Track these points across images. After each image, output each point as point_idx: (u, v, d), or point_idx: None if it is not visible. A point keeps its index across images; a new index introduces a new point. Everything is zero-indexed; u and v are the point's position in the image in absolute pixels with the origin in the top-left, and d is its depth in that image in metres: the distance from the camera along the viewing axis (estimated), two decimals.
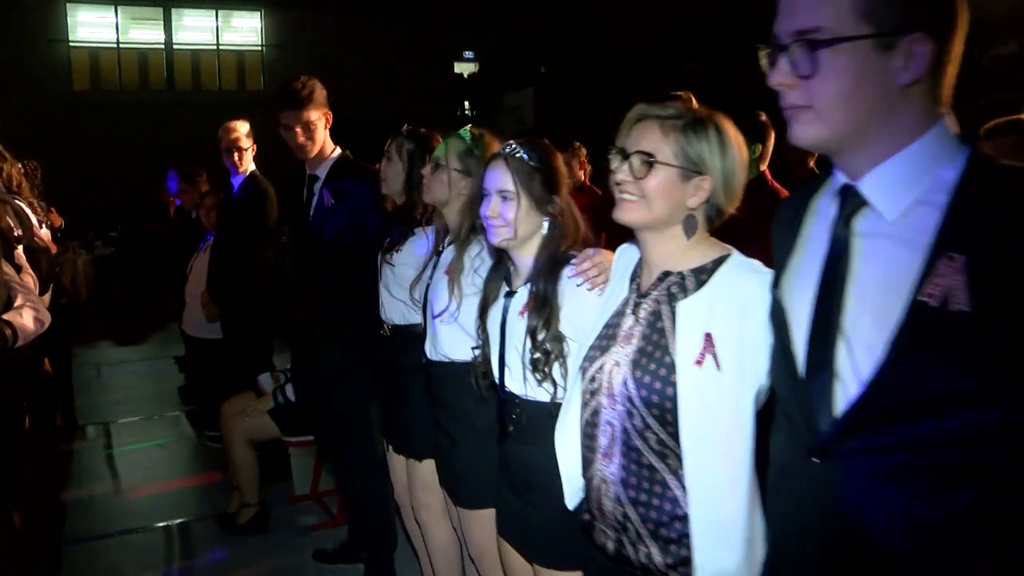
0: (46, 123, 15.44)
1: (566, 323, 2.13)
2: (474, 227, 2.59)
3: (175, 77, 18.50)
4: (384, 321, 3.17)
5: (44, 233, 4.35)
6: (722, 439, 1.64)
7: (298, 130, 3.46)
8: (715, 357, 1.63)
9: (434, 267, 2.80)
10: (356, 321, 3.40)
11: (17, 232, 3.53)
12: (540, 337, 2.14)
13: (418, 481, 3.08)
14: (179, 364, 7.77)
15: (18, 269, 3.20)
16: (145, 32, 18.27)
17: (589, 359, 1.85)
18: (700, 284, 1.71)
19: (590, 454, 1.84)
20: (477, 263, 2.57)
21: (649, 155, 1.70)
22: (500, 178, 2.21)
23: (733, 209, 1.77)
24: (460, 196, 2.66)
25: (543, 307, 2.15)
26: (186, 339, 5.76)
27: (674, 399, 1.65)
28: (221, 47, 18.99)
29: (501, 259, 2.39)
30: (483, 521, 2.61)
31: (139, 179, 14.47)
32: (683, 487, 1.67)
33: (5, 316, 2.67)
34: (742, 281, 1.68)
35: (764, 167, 3.73)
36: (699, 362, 1.64)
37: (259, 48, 19.23)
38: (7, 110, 10.73)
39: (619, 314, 1.84)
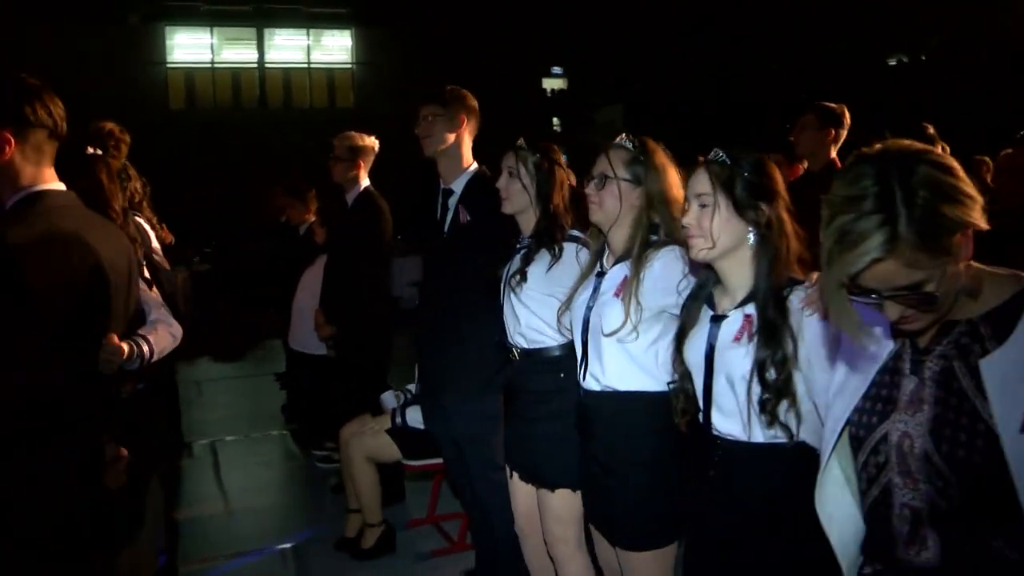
0: (144, 141, 15.85)
1: (804, 358, 1.89)
2: (648, 240, 2.42)
3: (267, 95, 18.92)
4: (512, 345, 3.01)
5: (157, 248, 4.30)
6: None
7: (420, 120, 3.35)
8: None
9: (595, 289, 2.58)
10: (488, 345, 3.22)
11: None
12: (771, 373, 1.90)
13: (550, 513, 2.89)
14: (280, 381, 7.74)
15: (148, 284, 3.12)
16: (238, 52, 18.75)
17: (864, 427, 1.57)
18: (1003, 334, 1.41)
19: (885, 538, 1.56)
20: (649, 282, 2.37)
21: None
22: (699, 183, 2.01)
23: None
24: (633, 208, 2.46)
25: (773, 337, 1.91)
26: (290, 354, 5.67)
27: (1001, 469, 1.36)
28: (312, 65, 19.35)
29: (705, 280, 2.16)
30: (647, 564, 2.42)
31: (232, 196, 14.74)
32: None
33: (140, 331, 2.57)
34: None
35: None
36: None
37: (350, 66, 19.52)
38: None
39: (891, 371, 1.56)
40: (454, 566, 4.04)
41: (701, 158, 2.06)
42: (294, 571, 4.16)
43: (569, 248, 2.85)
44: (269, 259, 7.25)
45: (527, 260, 2.91)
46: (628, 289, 2.39)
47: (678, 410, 2.17)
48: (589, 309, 2.54)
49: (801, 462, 1.86)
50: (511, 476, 3.06)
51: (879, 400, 1.55)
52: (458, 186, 3.38)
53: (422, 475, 4.58)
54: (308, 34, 19.22)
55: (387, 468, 4.31)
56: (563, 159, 2.98)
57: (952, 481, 1.41)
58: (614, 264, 2.54)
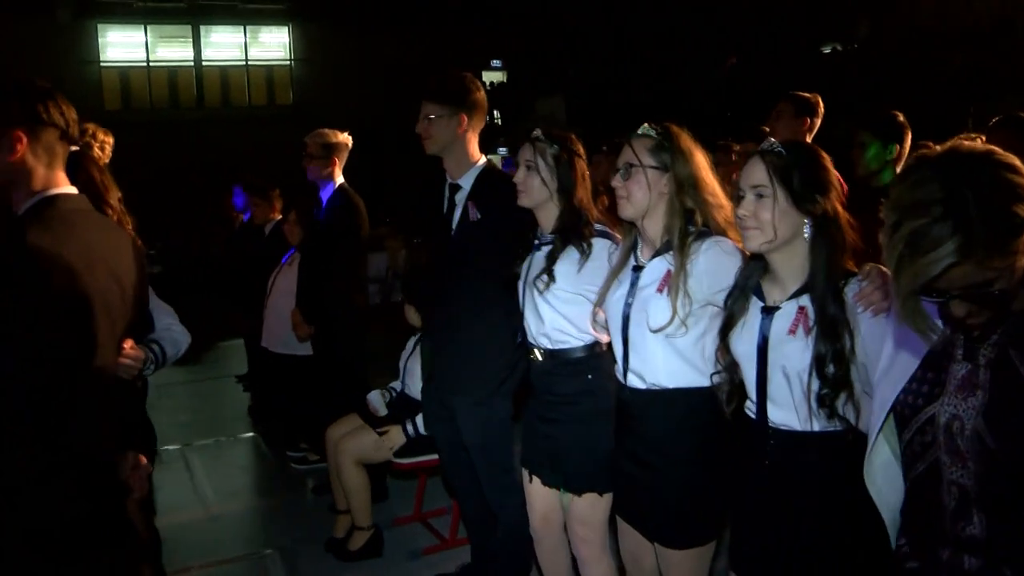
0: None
1: (860, 351, 1.93)
2: (687, 230, 2.40)
3: (205, 94, 18.55)
4: (534, 346, 2.96)
5: None
6: None
7: (421, 119, 3.23)
8: None
9: (632, 284, 2.53)
10: (500, 346, 3.19)
11: None
12: (831, 367, 1.93)
13: (576, 515, 2.88)
14: (242, 383, 7.63)
15: None
16: (174, 50, 18.34)
17: (911, 407, 1.61)
18: None
19: (932, 513, 1.60)
20: (698, 274, 2.36)
21: None
22: (755, 174, 2.01)
23: None
24: (663, 195, 2.43)
25: (832, 331, 1.94)
26: (265, 356, 5.58)
27: None
28: (250, 63, 19.02)
29: (752, 270, 2.17)
30: (690, 560, 2.45)
31: (173, 196, 14.43)
32: None
33: (153, 336, 2.53)
34: None
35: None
36: None
37: (288, 63, 19.25)
38: None
39: (941, 356, 1.60)
40: (448, 562, 4.04)
41: (758, 149, 2.07)
42: (283, 574, 4.12)
43: (598, 243, 2.78)
44: (229, 259, 7.10)
45: (552, 258, 2.81)
46: (675, 282, 2.35)
47: (723, 399, 2.19)
48: (628, 305, 2.50)
49: (858, 450, 1.84)
50: (530, 479, 3.01)
51: (926, 382, 1.59)
52: (466, 182, 3.27)
53: (405, 472, 4.56)
54: (245, 31, 18.88)
55: (371, 467, 4.28)
56: (582, 149, 2.89)
57: (1002, 462, 1.45)
58: (652, 257, 2.50)
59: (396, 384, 4.44)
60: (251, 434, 6.47)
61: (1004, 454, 1.44)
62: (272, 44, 19.28)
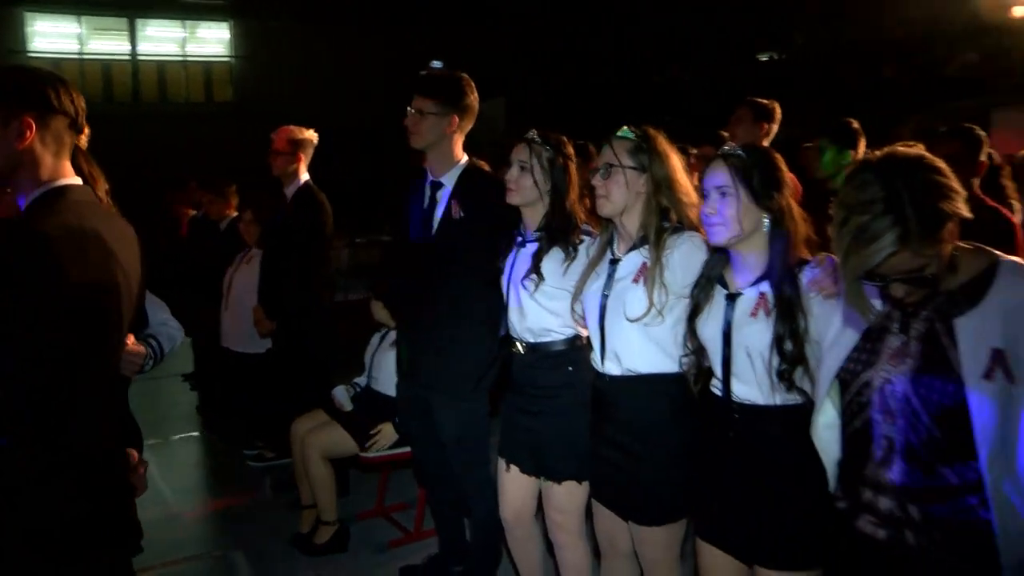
0: None
1: (814, 330, 2.11)
2: (662, 226, 2.54)
3: (141, 88, 18.12)
4: (517, 340, 3.04)
5: None
6: (1015, 443, 1.65)
7: (411, 113, 3.25)
8: (1006, 370, 1.63)
9: (609, 276, 2.65)
10: (480, 341, 3.25)
11: None
12: (788, 345, 2.12)
13: (554, 503, 2.98)
14: (189, 381, 7.53)
15: None
16: (109, 43, 17.86)
17: (851, 372, 1.87)
18: (974, 300, 1.71)
19: (859, 461, 1.87)
20: (673, 267, 2.49)
21: None
22: (718, 175, 2.19)
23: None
24: (641, 194, 2.56)
25: (789, 313, 2.13)
26: (227, 356, 5.53)
27: (961, 411, 1.68)
28: (188, 58, 18.65)
29: (716, 262, 2.34)
30: (664, 536, 2.59)
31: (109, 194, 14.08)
32: (966, 489, 1.72)
33: (149, 331, 2.53)
34: (1022, 289, 1.69)
35: None
36: (988, 376, 1.64)
37: (228, 59, 18.93)
38: None
39: (879, 330, 1.85)
40: (414, 555, 4.08)
41: (718, 153, 2.25)
42: (249, 571, 4.11)
43: (584, 244, 2.88)
44: (178, 257, 7.00)
45: (539, 257, 2.90)
46: (651, 274, 2.49)
47: (691, 380, 2.37)
48: (605, 296, 2.62)
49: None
50: (507, 469, 3.09)
51: (864, 352, 1.86)
52: (449, 180, 3.32)
53: (366, 467, 4.57)
54: (184, 25, 18.51)
55: (334, 462, 4.29)
56: (573, 153, 2.99)
57: (924, 419, 1.73)
58: (628, 251, 2.62)
59: (360, 379, 4.47)
60: (202, 433, 6.41)
61: (925, 412, 1.73)
62: (211, 40, 18.91)
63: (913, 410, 1.74)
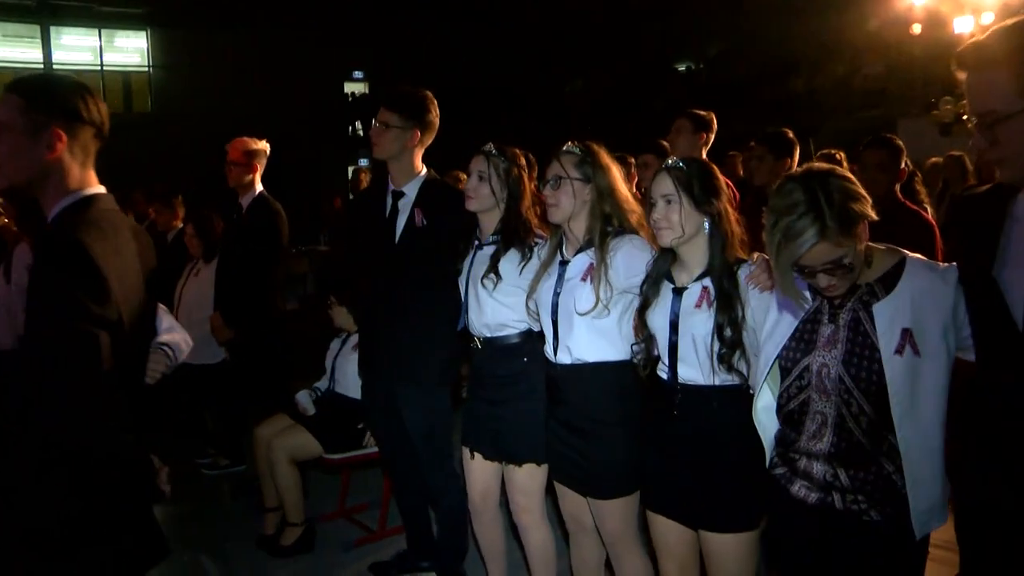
0: None
1: (750, 319, 2.43)
2: (605, 230, 2.83)
3: None
4: (475, 335, 3.27)
5: None
6: (925, 409, 2.05)
7: (375, 125, 3.45)
8: (913, 346, 2.03)
9: (559, 276, 2.92)
10: (443, 338, 3.46)
11: None
12: (728, 332, 2.43)
13: (517, 485, 3.21)
14: None
15: None
16: (21, 50, 17.41)
17: (791, 360, 2.21)
18: (888, 289, 2.10)
19: (794, 434, 2.24)
20: (616, 267, 2.79)
21: None
22: (664, 185, 2.51)
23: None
24: (586, 203, 2.87)
25: (728, 304, 2.45)
26: (181, 369, 5.52)
27: (883, 384, 2.05)
28: (105, 67, 18.27)
29: (663, 261, 2.65)
30: (620, 508, 2.86)
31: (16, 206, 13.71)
32: (883, 454, 2.10)
33: (162, 340, 2.60)
34: (925, 279, 2.08)
35: None
36: (899, 351, 2.03)
37: (146, 69, 18.61)
38: None
39: (812, 322, 2.20)
40: (381, 551, 4.22)
41: (662, 166, 2.59)
42: (220, 572, 4.19)
43: (538, 247, 3.13)
44: None
45: (496, 259, 3.15)
46: (597, 273, 2.79)
47: (641, 365, 2.67)
48: (556, 294, 2.91)
49: (748, 398, 2.44)
50: (471, 456, 3.31)
51: (802, 341, 2.20)
52: (410, 190, 3.52)
53: (326, 469, 4.68)
54: (100, 34, 18.14)
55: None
56: (524, 163, 3.25)
57: (855, 395, 2.09)
58: (576, 253, 2.91)
59: (321, 383, 4.59)
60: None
61: (857, 388, 2.08)
62: (129, 49, 18.59)
63: (846, 387, 2.10)
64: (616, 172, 2.91)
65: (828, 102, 14.31)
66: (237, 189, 4.77)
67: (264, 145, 4.81)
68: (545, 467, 3.13)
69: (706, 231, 2.52)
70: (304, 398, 4.42)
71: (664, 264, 2.64)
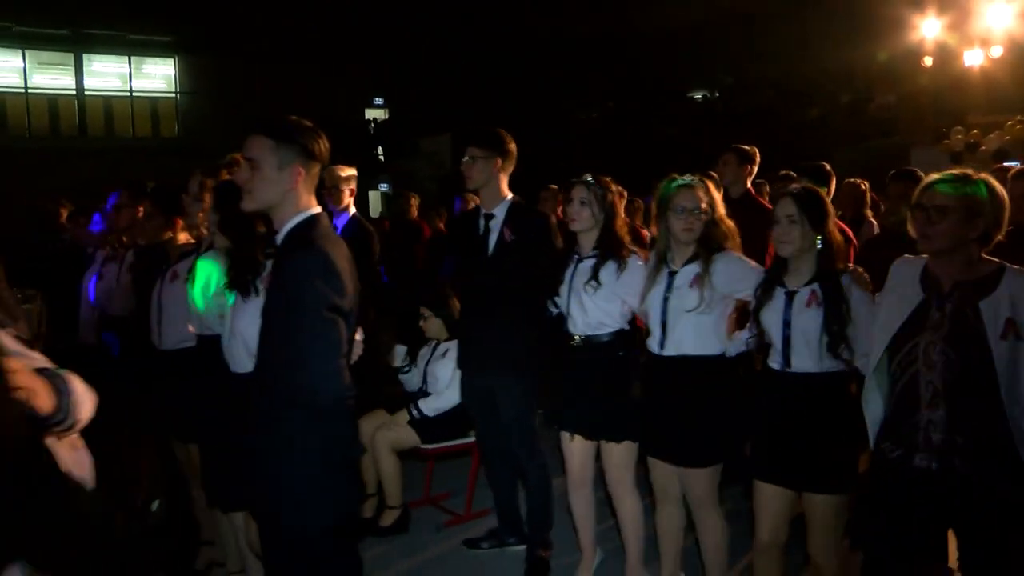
0: None
1: (853, 314, 3.01)
2: (703, 249, 3.45)
3: (87, 124, 18.28)
4: (575, 334, 3.83)
5: None
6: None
7: (464, 160, 4.08)
8: (1016, 333, 2.50)
9: (669, 283, 3.50)
10: (530, 333, 4.04)
11: None
12: (835, 327, 2.99)
13: (614, 461, 3.80)
14: None
15: None
16: (54, 77, 18.02)
17: (904, 339, 2.67)
18: (991, 289, 2.56)
19: (912, 406, 2.66)
20: (717, 275, 3.40)
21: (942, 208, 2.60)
22: (788, 207, 3.10)
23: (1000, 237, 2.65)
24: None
25: (836, 304, 3.02)
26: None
27: (989, 364, 2.51)
28: (134, 93, 18.88)
29: (776, 269, 3.24)
30: (707, 476, 3.48)
31: (53, 229, 14.19)
32: (995, 416, 2.51)
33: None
34: (1018, 281, 2.57)
35: None
36: (1004, 337, 2.50)
37: (173, 95, 19.23)
38: None
39: (919, 311, 2.66)
40: (469, 532, 4.73)
41: (786, 191, 3.20)
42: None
43: (631, 260, 3.74)
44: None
45: (596, 269, 3.74)
46: (702, 280, 3.40)
47: (755, 354, 3.29)
48: (666, 299, 3.48)
49: (851, 382, 3.05)
50: (571, 439, 3.88)
51: (911, 325, 2.66)
52: (499, 211, 4.12)
53: (423, 457, 5.13)
54: (129, 61, 18.78)
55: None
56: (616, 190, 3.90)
57: (958, 367, 2.54)
58: (684, 265, 3.49)
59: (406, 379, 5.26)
60: None
61: (958, 362, 2.54)
62: (157, 75, 19.24)
63: (949, 360, 2.55)
64: (721, 207, 3.52)
65: (841, 131, 14.93)
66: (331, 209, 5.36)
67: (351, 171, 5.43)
68: (636, 444, 3.71)
69: (819, 246, 3.08)
70: (400, 351, 5.21)
71: (779, 271, 3.19)
